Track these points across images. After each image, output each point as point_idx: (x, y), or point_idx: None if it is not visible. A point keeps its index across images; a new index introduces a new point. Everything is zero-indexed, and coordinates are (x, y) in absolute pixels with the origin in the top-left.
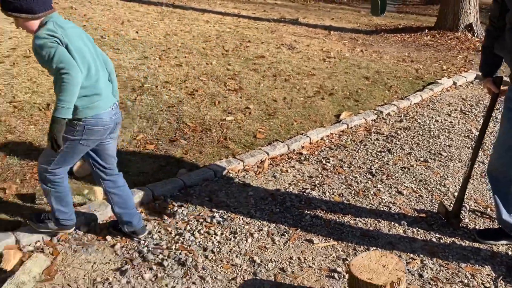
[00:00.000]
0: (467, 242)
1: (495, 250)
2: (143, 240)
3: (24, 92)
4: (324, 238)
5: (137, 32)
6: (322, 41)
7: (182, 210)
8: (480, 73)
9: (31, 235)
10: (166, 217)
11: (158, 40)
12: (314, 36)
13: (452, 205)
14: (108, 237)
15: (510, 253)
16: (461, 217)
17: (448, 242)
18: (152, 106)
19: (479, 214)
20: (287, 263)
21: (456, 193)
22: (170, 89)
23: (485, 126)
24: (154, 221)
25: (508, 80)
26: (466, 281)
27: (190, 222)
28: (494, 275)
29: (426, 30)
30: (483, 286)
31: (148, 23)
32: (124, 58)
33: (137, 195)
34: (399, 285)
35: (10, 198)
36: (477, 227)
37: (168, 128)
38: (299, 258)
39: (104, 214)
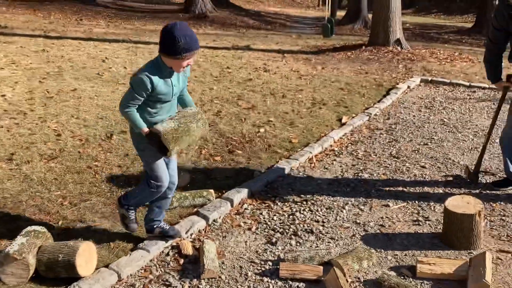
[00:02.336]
0: (488, 191)
1: (508, 193)
2: (269, 222)
3: (79, 128)
4: (394, 202)
5: (125, 67)
6: (285, 63)
7: (279, 199)
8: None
9: (186, 229)
10: (271, 205)
11: None
12: (274, 59)
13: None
14: (242, 223)
15: None
16: (478, 175)
17: (475, 192)
18: None
19: (486, 174)
20: (382, 221)
21: (460, 162)
22: None
23: (498, 110)
24: (264, 209)
25: None
26: (499, 212)
27: (291, 206)
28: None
29: (363, 46)
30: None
31: (128, 59)
32: None
33: (241, 193)
34: (480, 213)
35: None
36: (488, 181)
37: (219, 143)
38: (387, 217)
39: (227, 208)
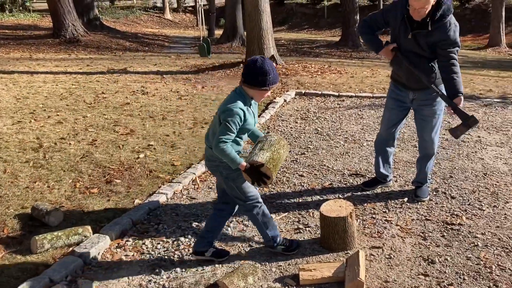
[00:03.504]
0: (360, 192)
1: (376, 192)
2: (153, 251)
3: None
4: (277, 213)
5: None
6: (164, 84)
7: (162, 225)
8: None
9: (60, 272)
10: (154, 233)
11: (14, 105)
12: (152, 81)
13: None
14: (123, 257)
15: (384, 190)
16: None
17: (351, 195)
18: (67, 160)
19: (357, 175)
20: None
21: (334, 167)
22: (70, 143)
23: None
24: (147, 238)
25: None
26: (370, 211)
27: (175, 231)
28: (383, 203)
29: (241, 64)
30: (381, 211)
31: None
32: None
33: (121, 225)
34: (352, 215)
35: None
36: (359, 183)
37: (95, 174)
38: None
39: (106, 243)
